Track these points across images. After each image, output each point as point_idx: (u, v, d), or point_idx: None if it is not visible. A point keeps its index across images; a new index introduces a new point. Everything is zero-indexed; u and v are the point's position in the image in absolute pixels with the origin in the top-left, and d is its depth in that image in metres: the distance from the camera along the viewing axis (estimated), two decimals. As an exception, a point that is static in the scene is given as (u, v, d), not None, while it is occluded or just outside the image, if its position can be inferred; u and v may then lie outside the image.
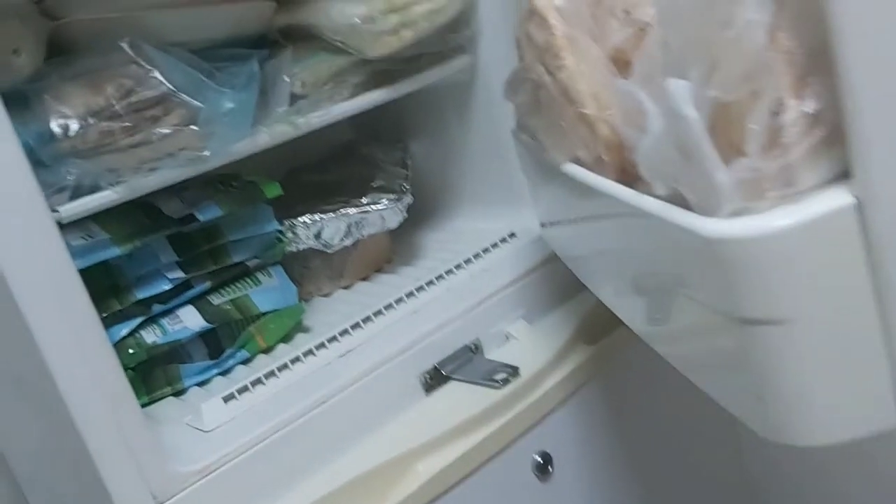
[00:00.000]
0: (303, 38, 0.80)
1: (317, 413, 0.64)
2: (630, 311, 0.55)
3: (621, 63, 0.53)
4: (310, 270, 0.88)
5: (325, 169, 0.93)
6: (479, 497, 0.67)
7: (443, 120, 0.96)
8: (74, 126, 0.62)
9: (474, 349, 0.74)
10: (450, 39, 0.83)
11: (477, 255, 0.83)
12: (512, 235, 0.86)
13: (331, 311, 0.84)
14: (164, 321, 0.71)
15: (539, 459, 0.71)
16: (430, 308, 0.76)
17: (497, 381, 0.67)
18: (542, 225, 0.72)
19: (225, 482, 0.59)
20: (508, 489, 0.70)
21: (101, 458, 0.54)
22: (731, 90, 0.35)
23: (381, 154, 0.95)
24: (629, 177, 0.50)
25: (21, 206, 0.51)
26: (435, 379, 0.71)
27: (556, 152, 0.53)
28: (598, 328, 0.75)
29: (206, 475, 0.58)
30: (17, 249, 0.51)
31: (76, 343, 0.53)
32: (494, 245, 0.84)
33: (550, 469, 0.72)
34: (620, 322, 0.77)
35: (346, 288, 0.89)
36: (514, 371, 0.68)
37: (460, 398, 0.68)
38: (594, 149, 0.49)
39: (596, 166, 0.50)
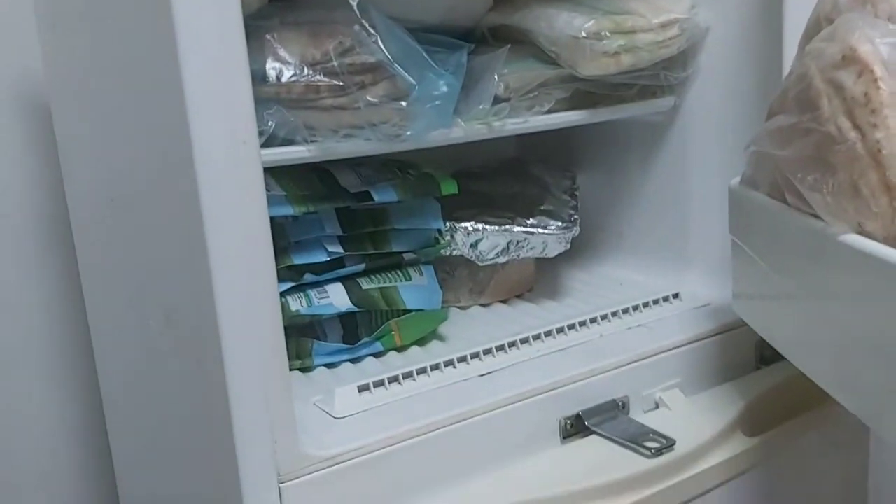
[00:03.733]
0: (512, 41, 0.76)
1: (452, 429, 0.59)
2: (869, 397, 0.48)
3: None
4: (453, 279, 0.84)
5: (491, 180, 0.89)
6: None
7: (622, 158, 0.91)
8: (288, 73, 0.60)
9: (622, 407, 0.68)
10: (663, 77, 0.79)
11: (636, 308, 0.77)
12: (676, 296, 0.79)
13: (468, 325, 0.79)
14: (312, 292, 0.68)
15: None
16: (580, 350, 0.70)
17: (649, 449, 0.61)
18: (737, 296, 0.65)
19: (350, 476, 0.54)
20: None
21: (240, 413, 0.50)
22: None
23: (550, 178, 0.90)
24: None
25: (238, 138, 0.48)
26: (575, 427, 0.65)
27: (837, 219, 0.47)
28: (760, 419, 0.68)
29: (334, 465, 0.54)
30: (221, 178, 0.49)
31: (248, 286, 0.50)
32: (656, 301, 0.78)
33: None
34: (786, 417, 0.71)
35: (484, 306, 0.85)
36: (669, 442, 0.62)
37: (601, 456, 0.62)
38: (892, 224, 0.43)
39: (888, 244, 0.44)
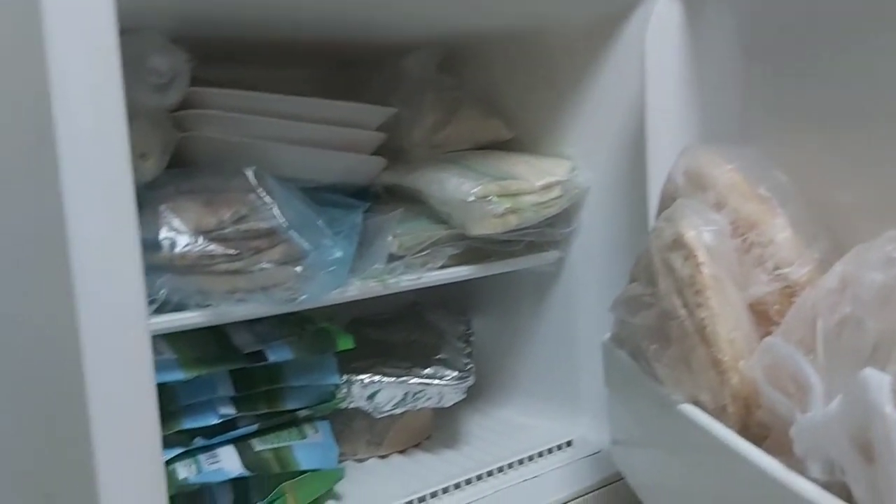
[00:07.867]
0: (406, 200, 0.80)
1: None
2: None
3: (758, 314, 0.51)
4: (351, 431, 0.83)
5: (388, 327, 0.91)
6: None
7: (515, 305, 0.94)
8: (182, 241, 0.61)
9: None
10: (548, 233, 0.84)
11: (531, 458, 0.78)
12: (569, 444, 0.81)
13: (364, 482, 0.78)
14: (202, 457, 0.66)
15: None
16: (476, 508, 0.71)
17: None
18: (615, 442, 0.68)
19: None
20: None
21: None
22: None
23: (446, 324, 0.92)
24: (751, 435, 0.47)
25: (126, 310, 0.48)
26: None
27: (675, 389, 0.51)
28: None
29: None
30: (107, 351, 0.48)
31: (131, 462, 0.49)
32: (550, 450, 0.80)
33: None
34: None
35: (381, 457, 0.84)
36: None
37: None
38: (720, 397, 0.47)
39: (717, 414, 0.47)
